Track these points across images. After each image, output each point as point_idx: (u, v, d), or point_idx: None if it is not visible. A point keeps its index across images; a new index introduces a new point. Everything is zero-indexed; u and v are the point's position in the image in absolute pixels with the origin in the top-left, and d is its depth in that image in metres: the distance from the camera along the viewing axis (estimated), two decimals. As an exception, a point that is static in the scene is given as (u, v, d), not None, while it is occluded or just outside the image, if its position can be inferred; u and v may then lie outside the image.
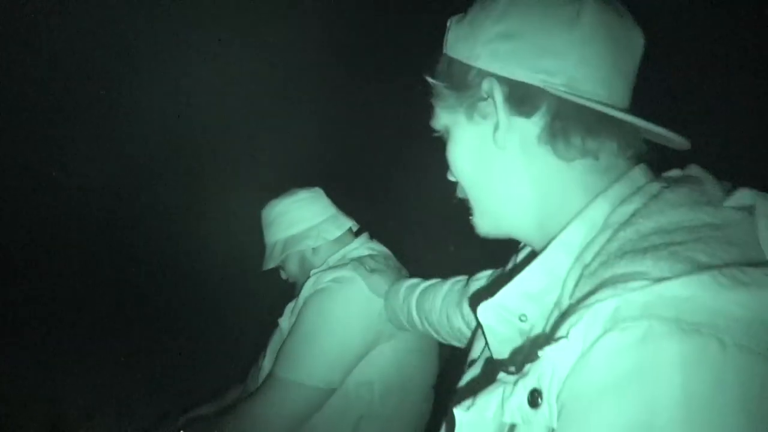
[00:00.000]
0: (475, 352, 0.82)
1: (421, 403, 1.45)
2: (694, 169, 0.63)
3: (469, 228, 0.75)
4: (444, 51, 0.70)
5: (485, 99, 0.65)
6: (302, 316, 1.36)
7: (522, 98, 0.62)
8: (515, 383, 0.49)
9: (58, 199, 4.69)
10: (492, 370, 0.67)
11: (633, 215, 0.56)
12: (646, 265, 0.48)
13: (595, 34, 0.61)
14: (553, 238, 0.63)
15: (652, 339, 0.41)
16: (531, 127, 0.64)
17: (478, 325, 0.73)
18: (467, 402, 0.53)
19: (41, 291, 4.24)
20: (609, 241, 0.55)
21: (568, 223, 0.62)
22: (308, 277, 1.47)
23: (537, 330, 0.63)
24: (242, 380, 1.73)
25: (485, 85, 0.64)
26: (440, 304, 1.18)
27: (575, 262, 0.59)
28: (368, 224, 1.70)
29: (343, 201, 1.66)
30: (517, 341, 0.67)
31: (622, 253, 0.52)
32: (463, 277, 1.17)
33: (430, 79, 0.72)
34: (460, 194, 0.75)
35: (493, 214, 0.71)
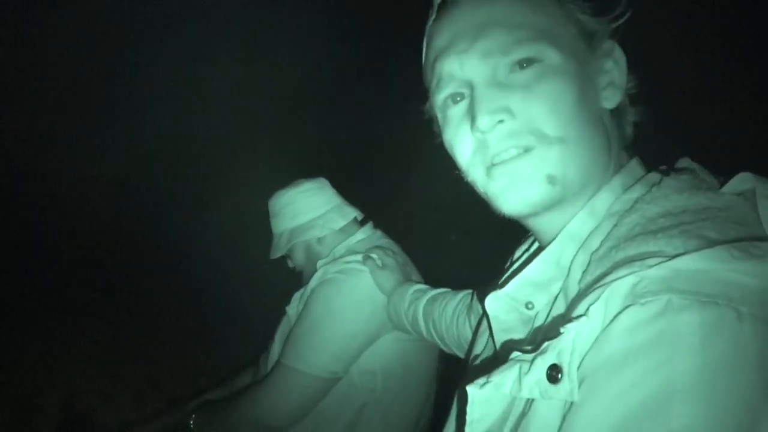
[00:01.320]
0: (478, 348, 0.83)
1: (422, 390, 1.48)
2: (686, 161, 0.66)
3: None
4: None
5: (609, 56, 0.68)
6: (309, 307, 1.38)
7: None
8: (532, 360, 0.50)
9: (81, 194, 4.76)
10: (500, 357, 0.69)
11: (636, 202, 0.59)
12: (660, 244, 0.50)
13: None
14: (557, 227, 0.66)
15: (673, 311, 0.43)
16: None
17: (483, 318, 0.75)
18: (481, 380, 0.54)
19: (60, 280, 4.32)
20: (615, 227, 0.58)
21: (573, 215, 0.65)
22: (315, 266, 1.48)
23: (541, 318, 0.66)
24: (251, 365, 1.76)
25: (610, 44, 0.67)
26: (451, 314, 1.19)
27: (579, 249, 0.62)
28: (370, 213, 1.70)
29: (345, 190, 1.67)
30: (521, 330, 0.69)
31: (633, 236, 0.54)
32: (471, 291, 1.19)
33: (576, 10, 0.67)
34: (510, 142, 0.64)
35: (587, 164, 0.64)
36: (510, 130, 0.63)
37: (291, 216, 1.56)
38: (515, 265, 0.87)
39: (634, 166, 0.68)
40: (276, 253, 1.60)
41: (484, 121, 0.62)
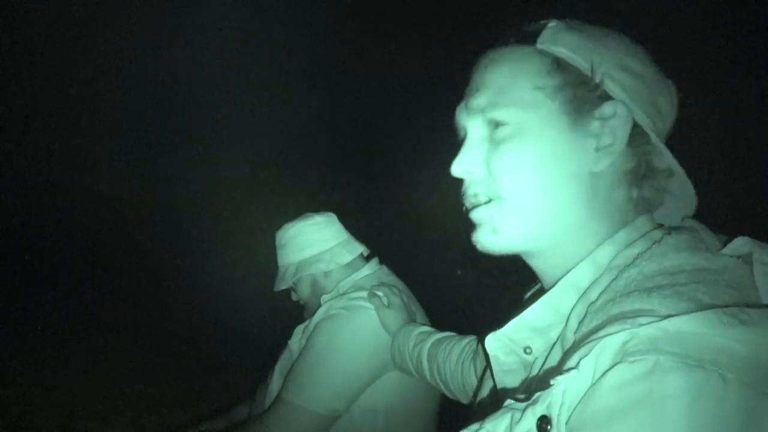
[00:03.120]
0: (483, 392, 0.83)
1: (424, 430, 1.46)
2: (689, 221, 0.69)
3: (478, 253, 0.74)
4: (542, 47, 0.68)
5: (605, 119, 0.66)
6: (312, 342, 1.37)
7: (633, 134, 0.66)
8: (524, 410, 0.51)
9: (87, 213, 4.79)
10: (500, 401, 0.69)
11: (637, 258, 0.61)
12: (653, 303, 0.52)
13: (677, 112, 0.71)
14: (560, 272, 0.67)
15: (660, 372, 0.43)
16: (625, 161, 0.67)
17: (486, 359, 0.75)
18: (474, 426, 0.55)
19: (62, 301, 4.31)
20: (614, 280, 0.60)
21: (576, 264, 0.66)
22: (320, 300, 1.48)
23: (539, 363, 0.67)
24: (250, 396, 1.73)
25: (611, 108, 0.65)
26: (456, 358, 1.18)
27: (579, 299, 0.63)
28: (375, 247, 1.70)
29: (349, 221, 1.68)
30: (521, 373, 0.70)
31: (629, 292, 0.55)
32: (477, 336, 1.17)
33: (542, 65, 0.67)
34: (476, 191, 0.71)
35: (531, 223, 0.68)
36: (475, 180, 0.71)
37: (298, 249, 1.56)
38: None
39: (642, 222, 0.68)
40: (281, 285, 1.60)
41: (453, 169, 0.73)
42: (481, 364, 1.08)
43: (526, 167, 0.66)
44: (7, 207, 4.80)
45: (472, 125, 0.72)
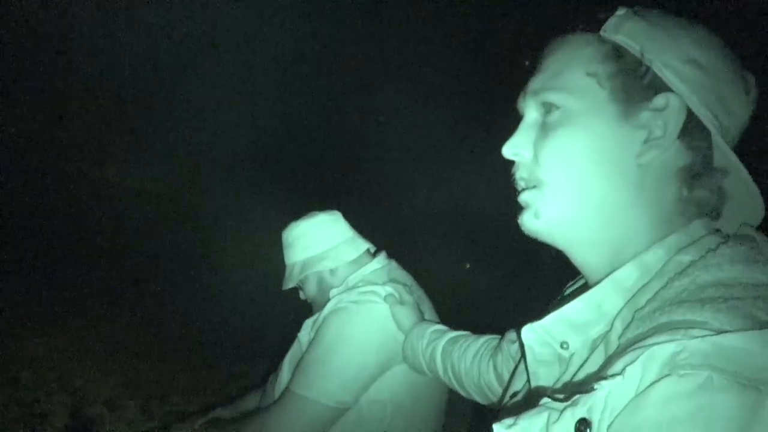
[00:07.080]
0: (517, 384, 0.82)
1: (432, 423, 1.48)
2: (747, 229, 0.65)
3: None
4: (604, 34, 0.67)
5: (657, 110, 0.63)
6: (321, 334, 1.40)
7: (689, 129, 0.64)
8: (562, 410, 0.50)
9: (101, 200, 4.83)
10: (534, 398, 0.68)
11: (689, 266, 0.58)
12: (705, 315, 0.49)
13: (752, 109, 0.68)
14: (606, 270, 0.66)
15: (711, 390, 0.41)
16: (678, 157, 0.65)
17: (520, 349, 0.76)
18: (508, 421, 0.54)
19: (76, 285, 4.36)
20: (664, 288, 0.57)
21: (621, 262, 0.65)
22: (327, 297, 1.50)
23: (578, 359, 0.65)
24: (260, 386, 1.77)
25: (664, 99, 0.63)
26: (472, 356, 1.18)
27: (626, 304, 0.61)
28: (381, 241, 1.71)
29: (356, 219, 1.69)
30: (555, 366, 0.69)
31: (680, 302, 0.53)
32: (497, 336, 1.19)
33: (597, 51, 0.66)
34: (523, 174, 0.73)
35: (571, 210, 0.68)
36: (522, 164, 0.73)
37: (303, 247, 1.59)
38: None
39: (696, 227, 0.65)
40: (288, 284, 1.63)
41: (503, 151, 0.74)
42: (502, 361, 1.09)
43: (570, 154, 0.67)
44: (18, 198, 4.85)
45: (528, 108, 0.73)
